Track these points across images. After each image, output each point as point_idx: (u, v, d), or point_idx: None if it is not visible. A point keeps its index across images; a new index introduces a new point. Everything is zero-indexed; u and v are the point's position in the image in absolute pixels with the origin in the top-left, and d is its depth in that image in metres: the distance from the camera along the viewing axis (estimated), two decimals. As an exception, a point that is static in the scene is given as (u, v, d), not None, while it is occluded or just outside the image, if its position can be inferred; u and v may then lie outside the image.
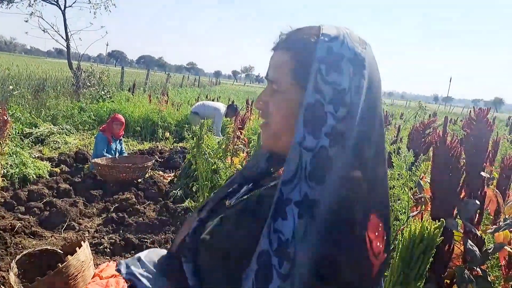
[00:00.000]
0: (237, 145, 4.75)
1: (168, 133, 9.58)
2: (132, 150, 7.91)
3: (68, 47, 11.22)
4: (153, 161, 5.59)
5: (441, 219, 0.98)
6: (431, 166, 1.43)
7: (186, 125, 9.94)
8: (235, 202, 0.81)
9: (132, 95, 11.52)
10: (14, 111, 7.27)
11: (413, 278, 0.96)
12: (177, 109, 10.51)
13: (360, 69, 0.71)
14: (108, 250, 3.37)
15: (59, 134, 8.03)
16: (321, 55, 0.70)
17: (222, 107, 7.41)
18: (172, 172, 6.51)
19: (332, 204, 0.63)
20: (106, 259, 3.27)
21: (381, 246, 0.66)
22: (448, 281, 1.43)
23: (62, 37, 11.16)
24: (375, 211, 0.67)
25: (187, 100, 11.95)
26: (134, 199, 4.56)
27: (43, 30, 10.90)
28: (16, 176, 5.03)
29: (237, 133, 4.74)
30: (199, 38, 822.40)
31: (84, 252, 2.51)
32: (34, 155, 6.44)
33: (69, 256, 2.44)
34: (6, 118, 4.63)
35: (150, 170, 5.76)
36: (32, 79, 9.53)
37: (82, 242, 2.58)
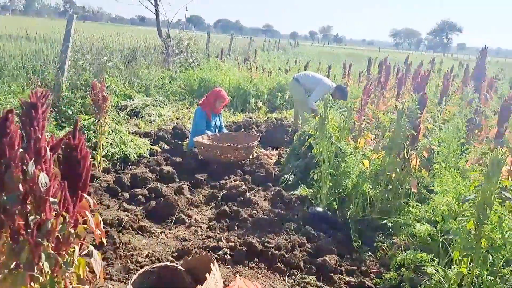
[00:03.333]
0: (364, 123, 3.95)
1: (261, 103, 8.98)
2: (226, 122, 7.43)
3: (157, 13, 10.90)
4: (259, 139, 4.99)
5: None
6: None
7: (279, 93, 9.26)
8: None
9: (221, 61, 11.02)
10: (109, 83, 7.06)
11: None
12: (268, 76, 9.82)
13: None
14: (229, 256, 2.83)
15: (153, 106, 7.77)
16: None
17: (329, 81, 6.53)
18: (274, 150, 5.89)
19: None
20: (228, 268, 2.73)
21: None
22: None
23: (151, 3, 10.85)
24: None
25: (277, 66, 11.20)
26: (244, 187, 3.99)
27: (132, -4, 10.67)
28: (117, 155, 4.74)
29: (364, 109, 3.93)
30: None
31: (215, 279, 1.95)
32: (132, 130, 6.18)
33: (199, 286, 1.88)
34: (105, 95, 4.25)
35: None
36: (124, 49, 9.37)
37: (211, 265, 2.02)
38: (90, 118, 4.84)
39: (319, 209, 3.55)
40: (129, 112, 7.33)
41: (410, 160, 3.54)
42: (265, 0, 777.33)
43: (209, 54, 13.37)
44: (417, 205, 3.40)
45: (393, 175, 3.54)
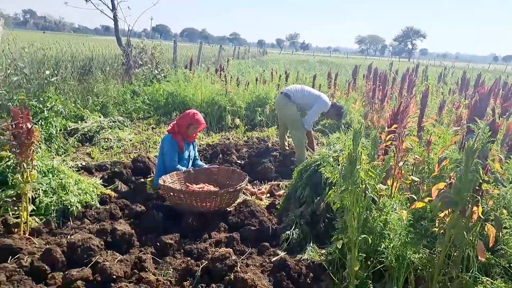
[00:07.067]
0: (402, 163, 2.84)
1: (238, 119, 7.80)
2: (200, 145, 6.20)
3: (115, 18, 9.52)
4: (247, 179, 3.78)
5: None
6: None
7: (259, 108, 8.11)
8: None
9: (191, 73, 9.76)
10: (53, 103, 5.70)
11: None
12: (246, 89, 8.66)
13: None
14: None
15: (111, 128, 6.46)
16: None
17: (327, 98, 5.37)
18: (262, 183, 4.72)
19: None
20: None
21: None
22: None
23: (108, 7, 9.48)
24: None
25: (253, 77, 10.06)
26: (232, 257, 2.77)
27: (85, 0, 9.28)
28: (53, 207, 3.42)
29: (401, 142, 2.82)
30: (241, 7, 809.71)
31: None
32: (81, 163, 4.86)
33: None
34: (29, 127, 2.96)
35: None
36: (77, 60, 7.98)
37: None
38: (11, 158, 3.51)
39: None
40: (80, 137, 6.01)
41: (472, 215, 2.46)
42: (231, 8, 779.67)
43: (176, 65, 12.08)
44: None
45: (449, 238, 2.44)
